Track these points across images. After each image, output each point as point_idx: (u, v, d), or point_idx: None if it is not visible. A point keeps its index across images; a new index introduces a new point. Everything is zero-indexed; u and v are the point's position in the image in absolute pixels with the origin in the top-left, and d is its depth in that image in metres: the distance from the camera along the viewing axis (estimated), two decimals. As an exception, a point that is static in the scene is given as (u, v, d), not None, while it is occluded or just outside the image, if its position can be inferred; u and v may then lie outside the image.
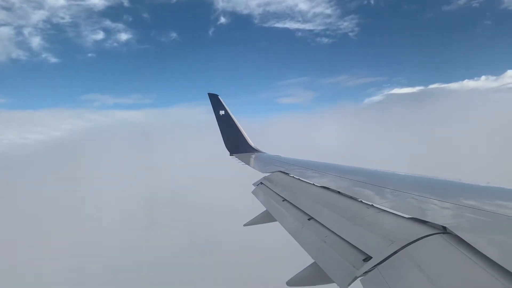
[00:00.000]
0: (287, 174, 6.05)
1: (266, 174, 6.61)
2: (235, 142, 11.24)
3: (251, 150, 11.09)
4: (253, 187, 6.19)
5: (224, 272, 21.48)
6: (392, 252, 2.19)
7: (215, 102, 11.37)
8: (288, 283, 2.99)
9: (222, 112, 11.30)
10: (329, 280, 2.51)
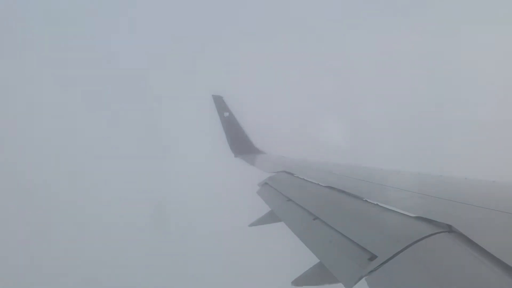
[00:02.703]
0: (292, 174, 6.06)
1: (271, 174, 6.63)
2: (240, 144, 11.31)
3: (256, 151, 11.15)
4: (258, 188, 6.22)
5: (229, 273, 21.59)
6: (397, 251, 2.18)
7: (219, 104, 11.42)
8: (293, 283, 3.01)
9: (226, 114, 11.36)
10: (334, 280, 2.52)
